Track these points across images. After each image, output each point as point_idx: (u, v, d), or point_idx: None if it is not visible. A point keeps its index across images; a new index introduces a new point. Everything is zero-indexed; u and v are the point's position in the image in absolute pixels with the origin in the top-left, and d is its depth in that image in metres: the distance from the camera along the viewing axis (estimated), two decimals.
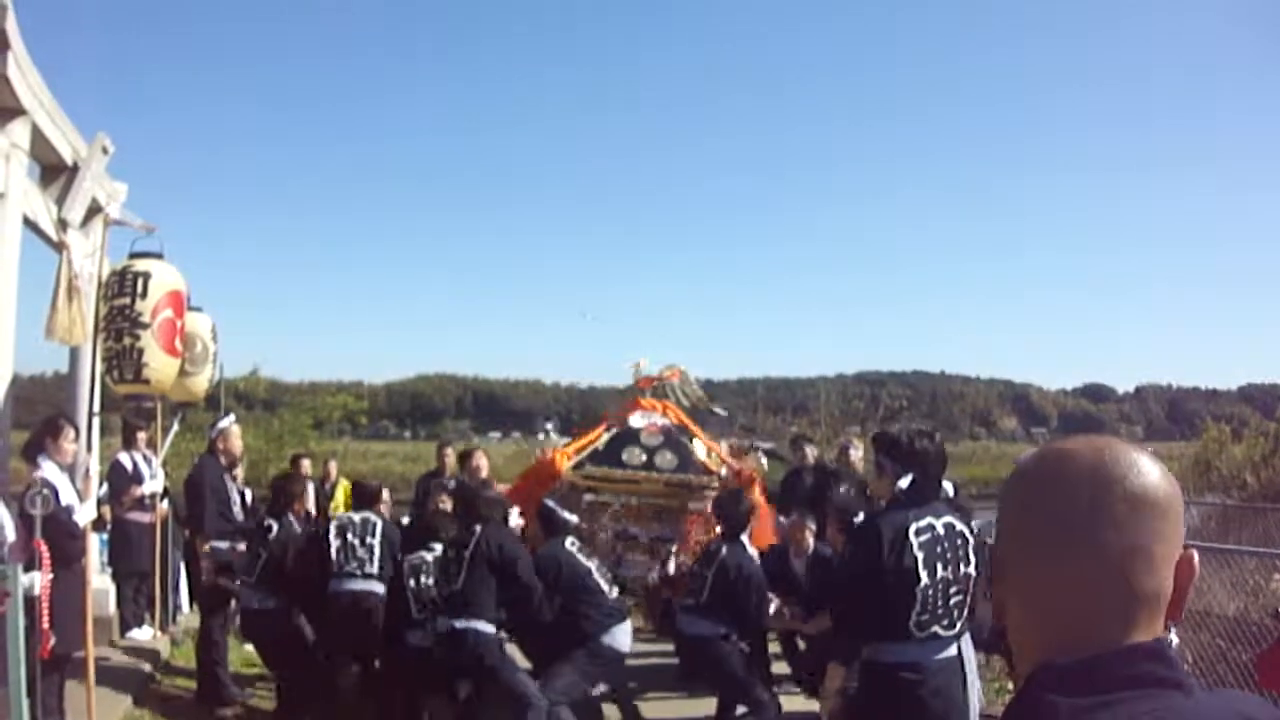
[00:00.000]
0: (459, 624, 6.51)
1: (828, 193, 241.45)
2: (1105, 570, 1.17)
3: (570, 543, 6.93)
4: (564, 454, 8.79)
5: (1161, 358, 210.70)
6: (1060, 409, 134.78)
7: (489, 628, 6.55)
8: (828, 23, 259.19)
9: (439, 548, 7.24)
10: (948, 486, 4.49)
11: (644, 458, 9.01)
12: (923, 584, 4.12)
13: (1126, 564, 1.17)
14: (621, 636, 6.68)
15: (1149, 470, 1.20)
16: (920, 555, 4.13)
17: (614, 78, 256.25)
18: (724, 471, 9.21)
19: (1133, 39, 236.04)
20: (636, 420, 9.21)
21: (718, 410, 9.86)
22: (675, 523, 9.10)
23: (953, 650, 4.25)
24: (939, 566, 4.17)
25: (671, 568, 8.70)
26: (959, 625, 4.26)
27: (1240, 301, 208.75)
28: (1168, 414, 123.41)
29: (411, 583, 7.22)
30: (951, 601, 4.20)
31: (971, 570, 4.27)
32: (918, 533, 4.17)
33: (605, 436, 9.03)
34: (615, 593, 6.86)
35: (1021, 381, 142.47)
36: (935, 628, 4.18)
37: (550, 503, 7.30)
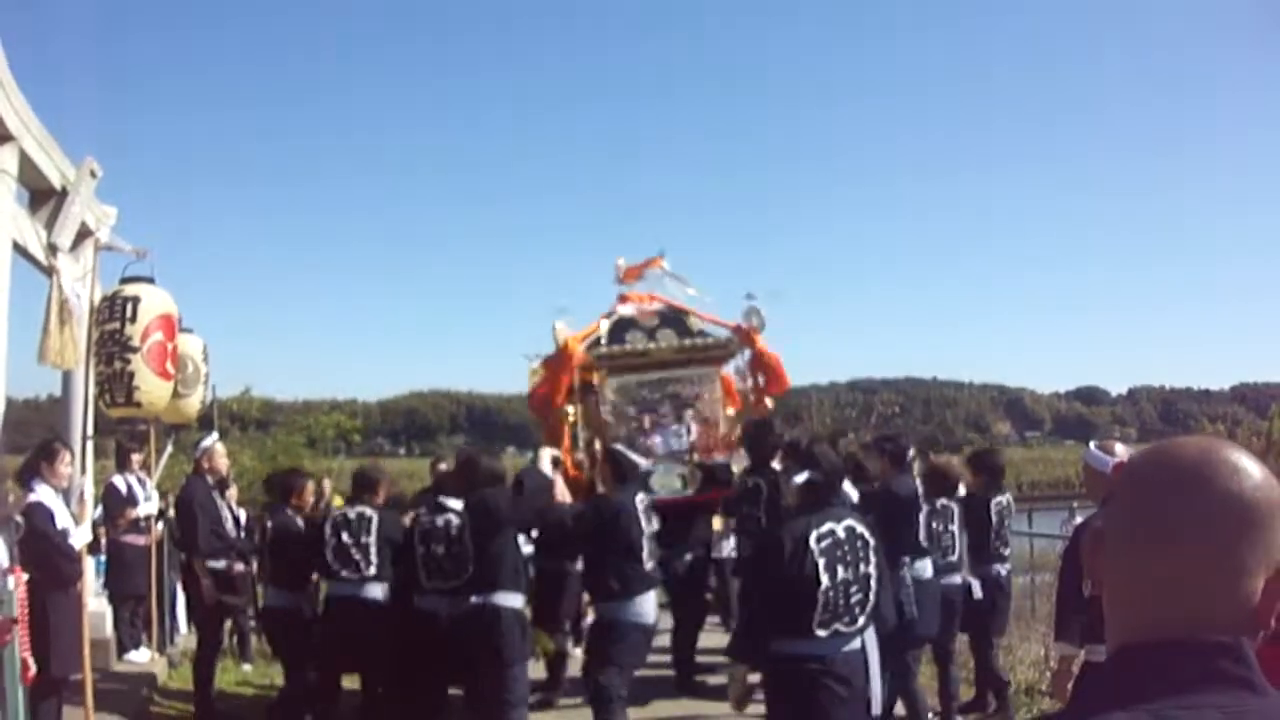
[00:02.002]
0: (476, 598, 6.36)
1: (817, 199, 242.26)
2: (1195, 571, 1.18)
3: (640, 499, 6.63)
4: (575, 339, 8.77)
5: (1153, 359, 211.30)
6: (1054, 412, 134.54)
7: (511, 599, 6.34)
8: (818, 23, 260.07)
9: (451, 506, 7.06)
10: (850, 491, 4.90)
11: (646, 339, 9.10)
12: (824, 587, 4.39)
13: (1217, 568, 1.18)
14: (646, 606, 6.49)
15: (1249, 476, 1.20)
16: (821, 561, 4.41)
17: (602, 85, 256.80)
18: (726, 334, 9.26)
19: (1128, 39, 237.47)
20: (628, 310, 9.25)
21: (697, 293, 9.81)
22: (694, 389, 9.16)
23: (856, 644, 4.55)
24: (839, 569, 4.45)
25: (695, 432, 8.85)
26: (861, 621, 4.56)
27: (1231, 301, 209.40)
28: (1161, 415, 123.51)
29: (421, 549, 7.07)
30: (852, 600, 4.50)
31: (871, 570, 4.59)
32: (818, 539, 4.45)
33: (605, 325, 9.05)
34: (652, 565, 6.64)
35: (1015, 386, 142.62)
36: (837, 625, 4.46)
37: (619, 447, 7.03)
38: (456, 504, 7.00)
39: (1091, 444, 5.33)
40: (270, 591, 7.78)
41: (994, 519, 7.70)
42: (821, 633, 4.43)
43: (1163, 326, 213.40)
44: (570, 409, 8.69)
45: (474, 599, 6.38)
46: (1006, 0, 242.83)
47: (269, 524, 7.64)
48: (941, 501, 7.41)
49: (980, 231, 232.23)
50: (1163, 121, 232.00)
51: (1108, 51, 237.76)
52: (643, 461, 7.07)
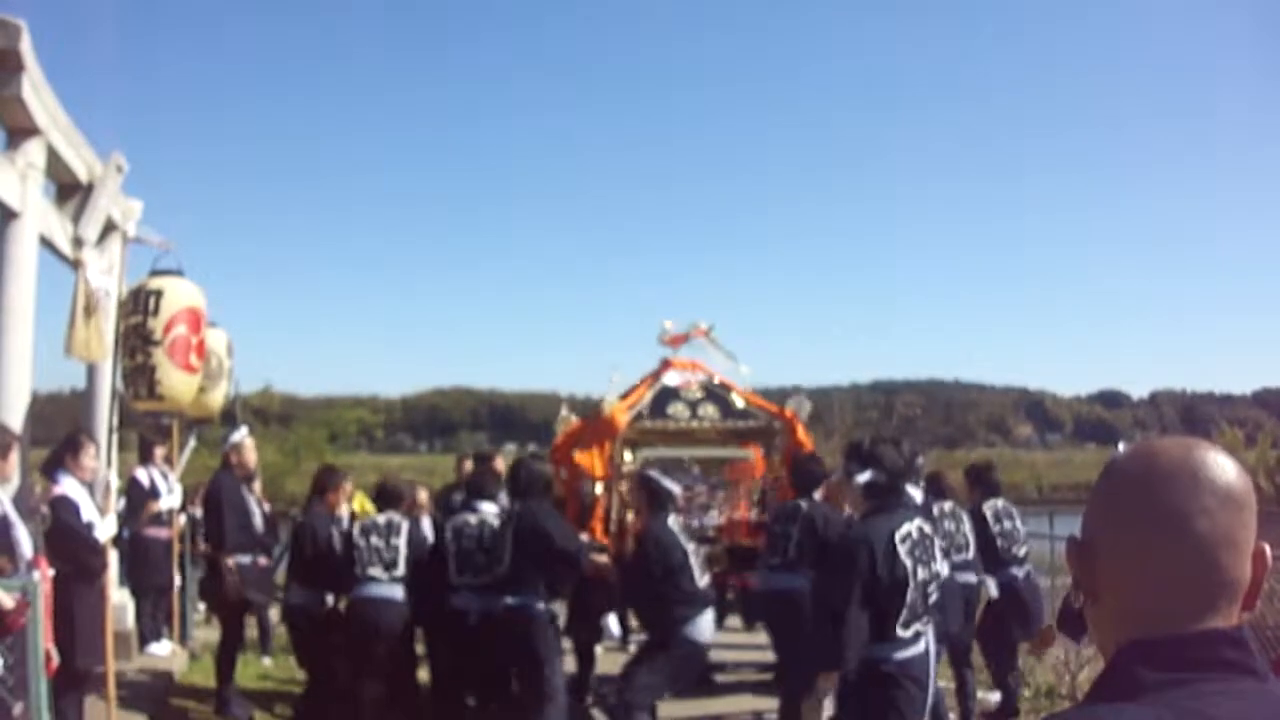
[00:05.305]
0: (511, 600, 6.48)
1: (837, 201, 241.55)
2: (1197, 559, 1.25)
3: (673, 521, 6.62)
4: (620, 409, 8.82)
5: (1175, 363, 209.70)
6: (1075, 415, 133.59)
7: (543, 602, 6.53)
8: (831, 18, 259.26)
9: (485, 508, 7.20)
10: (915, 493, 4.88)
11: (688, 412, 9.17)
12: (912, 586, 4.43)
13: (1217, 553, 1.25)
14: (703, 626, 6.46)
15: (1230, 466, 1.29)
16: (909, 562, 4.43)
17: (621, 77, 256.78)
18: (768, 417, 9.31)
19: (1142, 32, 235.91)
20: (672, 379, 9.31)
21: (743, 369, 9.86)
22: (723, 473, 9.29)
23: (927, 643, 4.61)
24: (919, 569, 4.49)
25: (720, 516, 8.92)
26: (930, 619, 4.64)
27: (1253, 305, 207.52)
28: (1182, 419, 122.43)
29: (454, 546, 7.16)
30: (930, 600, 4.57)
31: (941, 569, 4.67)
32: (903, 539, 4.46)
33: (648, 395, 9.11)
34: (706, 580, 6.60)
35: (1036, 388, 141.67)
36: (916, 625, 4.51)
37: (653, 473, 7.00)
38: (489, 506, 7.20)
39: (1120, 446, 5.32)
40: (292, 589, 7.81)
41: (990, 522, 7.63)
42: (904, 633, 4.46)
43: (1184, 330, 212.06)
44: (600, 487, 8.70)
45: (509, 600, 6.49)
46: (1036, 8, 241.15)
47: (300, 521, 7.71)
48: (946, 505, 7.39)
49: (1004, 234, 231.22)
50: (1172, 124, 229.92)
51: (1131, 58, 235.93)
52: (675, 488, 7.05)
